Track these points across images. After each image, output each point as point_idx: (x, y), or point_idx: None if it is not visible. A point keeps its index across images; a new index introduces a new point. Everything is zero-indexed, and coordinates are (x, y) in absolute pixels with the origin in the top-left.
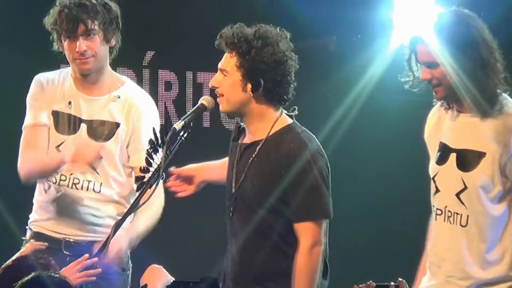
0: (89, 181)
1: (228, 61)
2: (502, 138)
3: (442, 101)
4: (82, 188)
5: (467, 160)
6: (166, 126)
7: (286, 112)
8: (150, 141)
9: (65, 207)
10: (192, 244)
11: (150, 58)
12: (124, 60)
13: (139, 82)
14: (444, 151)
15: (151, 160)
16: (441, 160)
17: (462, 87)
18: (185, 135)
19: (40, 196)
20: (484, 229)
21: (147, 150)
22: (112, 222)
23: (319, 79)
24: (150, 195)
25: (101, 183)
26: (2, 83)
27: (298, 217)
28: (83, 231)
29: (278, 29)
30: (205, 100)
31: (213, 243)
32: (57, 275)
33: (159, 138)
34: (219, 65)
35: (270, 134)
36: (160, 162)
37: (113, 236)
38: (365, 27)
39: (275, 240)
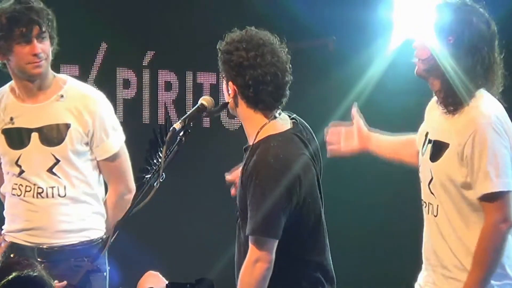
0: (52, 187)
1: None
2: (462, 129)
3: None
4: (47, 196)
5: (436, 151)
6: (166, 126)
7: (288, 114)
8: (150, 141)
9: (34, 218)
10: (189, 246)
11: (150, 58)
12: (124, 60)
13: (139, 82)
14: (425, 143)
15: (151, 160)
16: (423, 152)
17: (447, 69)
18: (185, 135)
19: (9, 209)
20: (452, 219)
21: (147, 149)
22: (83, 225)
23: (318, 79)
24: (151, 196)
25: (64, 186)
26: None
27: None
28: (55, 238)
29: (272, 35)
30: (205, 100)
31: (210, 246)
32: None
33: (159, 138)
34: None
35: (255, 142)
36: (160, 162)
37: (113, 236)
38: (365, 27)
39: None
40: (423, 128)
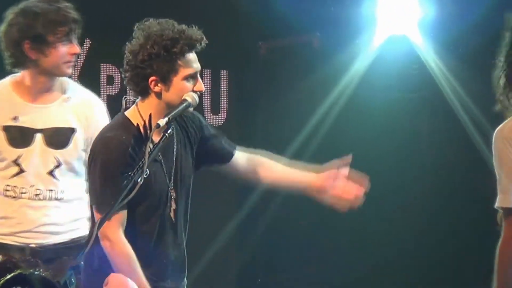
0: (51, 190)
1: None
2: None
3: None
4: (44, 198)
5: None
6: (150, 122)
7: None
8: (134, 137)
9: (27, 220)
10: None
11: None
12: (108, 56)
13: (123, 78)
14: None
15: (135, 156)
16: None
17: None
18: (169, 131)
19: (0, 210)
20: None
21: (131, 145)
22: (75, 226)
23: (303, 76)
24: (135, 192)
25: (62, 190)
26: None
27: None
28: (46, 238)
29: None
30: (188, 96)
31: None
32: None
33: (142, 134)
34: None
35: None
36: (144, 157)
37: (96, 233)
38: (348, 23)
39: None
40: None
